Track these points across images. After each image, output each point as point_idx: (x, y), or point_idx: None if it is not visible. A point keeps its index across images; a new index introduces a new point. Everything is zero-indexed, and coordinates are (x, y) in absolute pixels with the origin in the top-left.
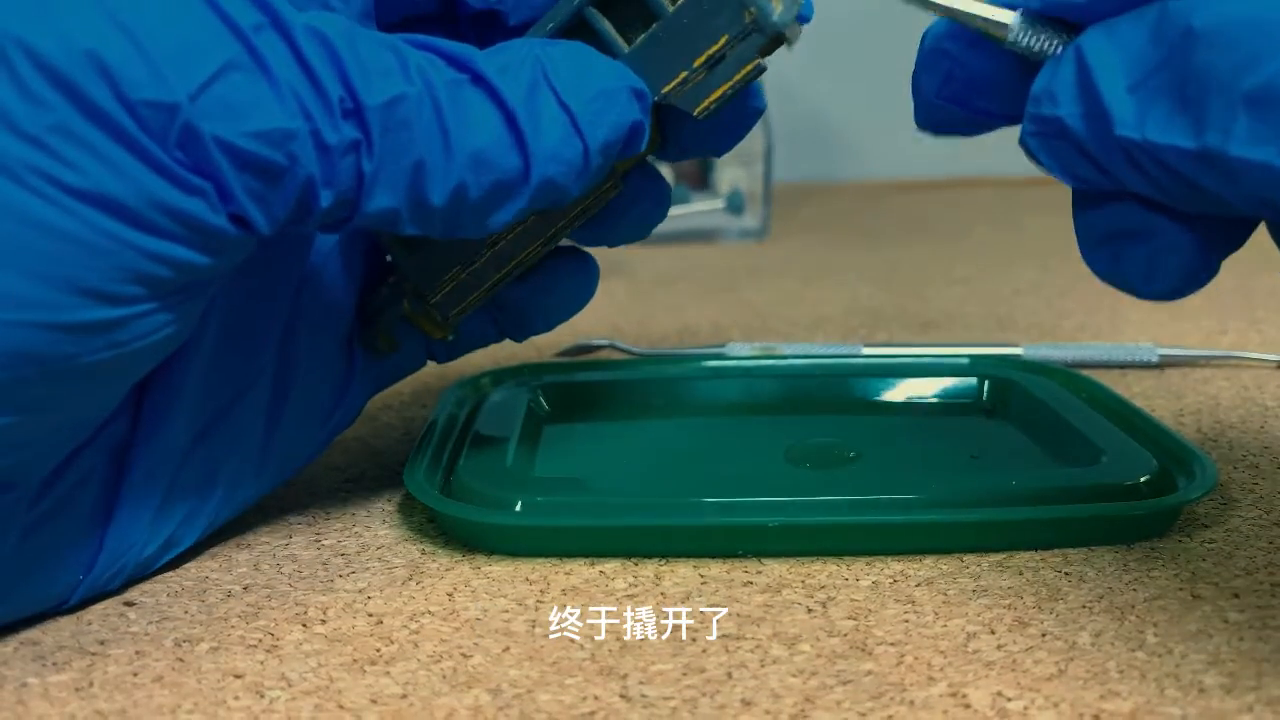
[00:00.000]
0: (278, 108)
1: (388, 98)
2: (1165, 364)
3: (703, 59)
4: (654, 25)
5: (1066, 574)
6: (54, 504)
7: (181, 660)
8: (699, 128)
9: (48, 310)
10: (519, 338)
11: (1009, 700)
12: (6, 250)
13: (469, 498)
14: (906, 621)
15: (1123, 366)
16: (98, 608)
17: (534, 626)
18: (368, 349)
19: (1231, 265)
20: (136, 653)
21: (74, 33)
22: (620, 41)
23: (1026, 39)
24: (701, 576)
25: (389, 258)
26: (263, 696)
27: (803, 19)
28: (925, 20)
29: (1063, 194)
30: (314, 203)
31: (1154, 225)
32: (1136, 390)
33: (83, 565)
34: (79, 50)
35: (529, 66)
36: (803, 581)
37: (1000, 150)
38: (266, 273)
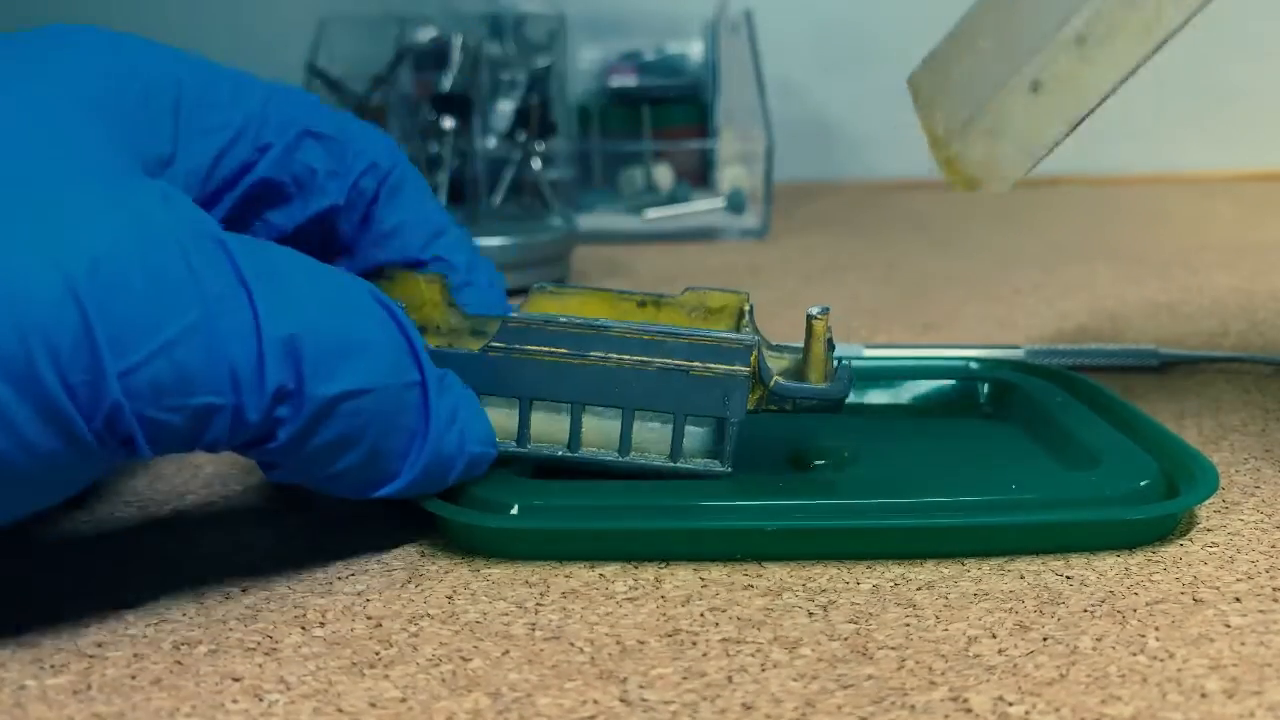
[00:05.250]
0: (210, 384)
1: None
2: (1166, 366)
3: None
4: None
5: (1068, 578)
6: None
7: (180, 663)
8: None
9: None
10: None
11: (1010, 705)
12: None
13: (468, 501)
14: (907, 625)
15: (1124, 369)
16: (95, 610)
17: (534, 630)
18: None
19: (1232, 265)
20: (134, 655)
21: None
22: None
23: None
24: (702, 580)
25: None
26: (261, 699)
27: None
28: (924, 19)
29: (1063, 194)
30: (205, 447)
31: None
32: (1138, 392)
33: None
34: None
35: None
36: (803, 585)
37: None
38: None
